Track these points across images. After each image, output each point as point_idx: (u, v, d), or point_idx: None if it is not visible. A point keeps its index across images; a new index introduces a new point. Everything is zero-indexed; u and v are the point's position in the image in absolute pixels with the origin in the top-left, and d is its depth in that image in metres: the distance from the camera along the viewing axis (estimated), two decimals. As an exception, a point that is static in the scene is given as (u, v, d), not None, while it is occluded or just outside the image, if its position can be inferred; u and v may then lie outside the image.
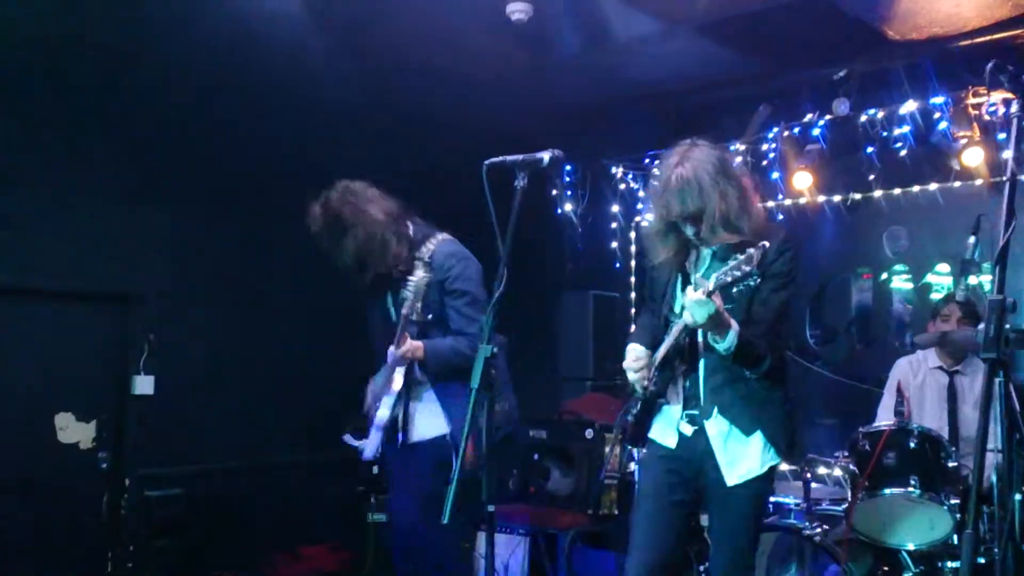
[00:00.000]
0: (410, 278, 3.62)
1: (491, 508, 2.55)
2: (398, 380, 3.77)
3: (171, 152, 5.26)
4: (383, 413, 3.81)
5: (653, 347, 3.14)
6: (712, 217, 2.90)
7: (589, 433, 5.19)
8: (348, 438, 4.01)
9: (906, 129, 5.37)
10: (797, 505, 4.30)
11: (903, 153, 5.41)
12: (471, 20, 5.14)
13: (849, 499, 4.03)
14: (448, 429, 3.73)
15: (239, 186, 5.45)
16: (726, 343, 2.89)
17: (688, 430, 3.12)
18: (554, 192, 6.77)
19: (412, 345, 3.66)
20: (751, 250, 2.70)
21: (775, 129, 5.80)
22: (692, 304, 2.79)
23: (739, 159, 5.85)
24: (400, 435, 3.84)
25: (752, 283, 2.79)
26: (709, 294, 2.77)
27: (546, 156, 2.82)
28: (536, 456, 5.68)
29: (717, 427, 3.07)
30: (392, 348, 3.68)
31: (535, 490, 5.64)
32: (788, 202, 5.85)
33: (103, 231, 5.19)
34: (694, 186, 2.90)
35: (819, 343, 5.77)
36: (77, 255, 5.10)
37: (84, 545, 5.11)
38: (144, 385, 5.21)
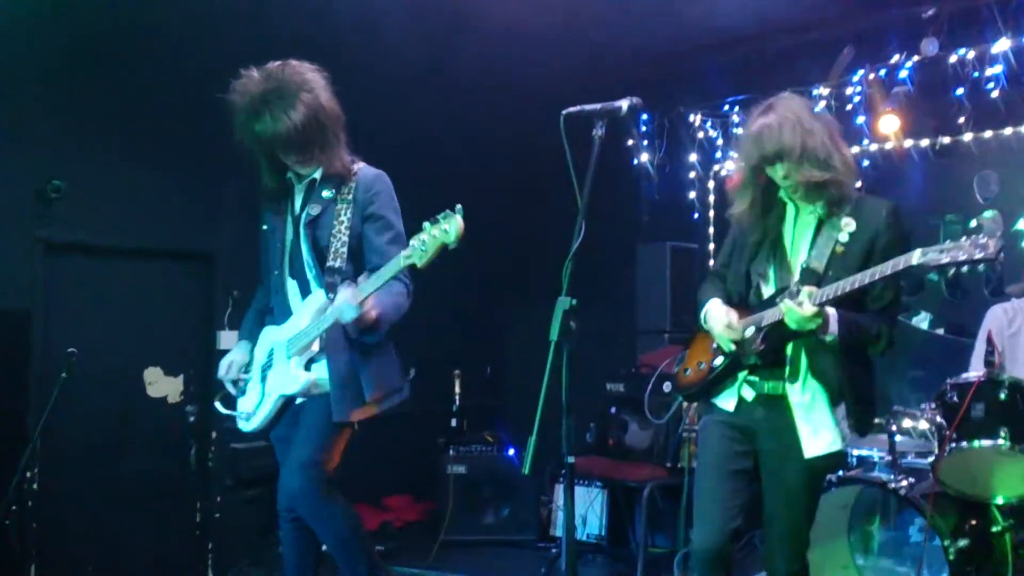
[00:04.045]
0: (341, 202, 3.10)
1: (570, 460, 2.55)
2: (317, 340, 3.22)
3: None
4: (300, 378, 3.21)
5: (730, 303, 3.09)
6: (797, 152, 2.83)
7: (667, 386, 5.15)
8: (219, 406, 3.52)
9: (998, 69, 5.15)
10: (881, 458, 4.22)
11: (995, 94, 5.18)
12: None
13: (936, 452, 3.93)
14: (361, 405, 3.24)
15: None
16: (830, 335, 2.83)
17: (749, 395, 3.05)
18: (630, 142, 6.67)
19: (369, 314, 3.08)
20: (985, 238, 2.57)
21: (860, 72, 5.61)
22: (797, 318, 2.77)
23: (823, 103, 5.69)
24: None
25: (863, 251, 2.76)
26: (819, 308, 2.74)
27: (624, 104, 2.76)
28: (613, 409, 5.68)
29: (801, 394, 2.97)
30: (346, 302, 3.04)
31: (613, 443, 5.66)
32: (874, 147, 5.67)
33: (187, 194, 5.34)
34: (775, 127, 2.85)
35: (906, 293, 5.60)
36: (163, 217, 5.27)
37: (173, 496, 5.30)
38: (229, 340, 5.34)
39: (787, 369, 2.98)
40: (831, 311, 2.81)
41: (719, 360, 3.08)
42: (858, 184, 3.00)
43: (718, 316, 3.05)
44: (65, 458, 4.88)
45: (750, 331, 2.97)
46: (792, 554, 3.01)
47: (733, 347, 3.01)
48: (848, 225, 2.89)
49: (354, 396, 3.23)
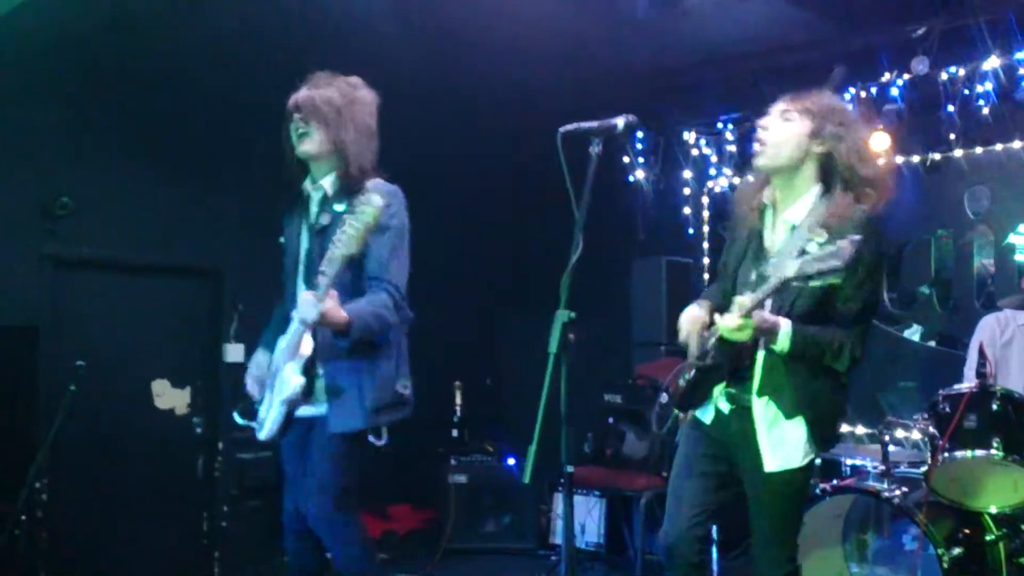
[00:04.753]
0: (361, 207, 3.00)
1: (570, 469, 2.60)
2: (307, 342, 3.16)
3: (255, 130, 5.41)
4: (296, 380, 3.15)
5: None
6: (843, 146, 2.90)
7: (663, 397, 5.22)
8: (237, 417, 3.50)
9: (988, 86, 5.24)
10: (875, 468, 4.25)
11: (985, 111, 5.28)
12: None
13: (929, 462, 3.95)
14: (361, 419, 3.21)
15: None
16: (779, 347, 2.81)
17: (725, 408, 3.03)
18: (626, 159, 6.76)
19: (336, 313, 3.04)
20: (841, 243, 2.54)
21: (851, 90, 5.70)
22: (724, 329, 2.76)
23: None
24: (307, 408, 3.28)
25: (835, 279, 2.60)
26: (746, 315, 2.70)
27: (620, 122, 2.80)
28: (611, 419, 5.75)
29: (763, 409, 2.93)
30: (309, 304, 3.05)
31: (611, 453, 5.73)
32: (865, 164, 5.75)
33: (193, 209, 5.41)
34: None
35: (898, 306, 5.69)
36: (169, 232, 5.33)
37: (181, 506, 5.35)
38: (235, 353, 5.41)
39: (753, 382, 2.95)
40: (783, 322, 2.78)
41: (691, 372, 3.08)
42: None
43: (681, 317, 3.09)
44: (74, 469, 4.93)
45: (710, 343, 2.95)
46: (771, 562, 2.98)
47: (694, 354, 3.02)
48: (819, 235, 2.73)
49: (352, 407, 3.21)
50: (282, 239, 3.55)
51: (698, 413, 3.13)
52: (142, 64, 5.05)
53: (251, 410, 3.41)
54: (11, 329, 4.75)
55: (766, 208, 3.06)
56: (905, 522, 4.26)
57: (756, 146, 3.04)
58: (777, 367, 2.90)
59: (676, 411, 3.24)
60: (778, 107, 3.05)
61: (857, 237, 2.57)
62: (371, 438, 3.26)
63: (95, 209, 5.07)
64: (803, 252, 2.65)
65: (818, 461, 3.59)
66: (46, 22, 4.60)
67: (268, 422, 3.29)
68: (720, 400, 3.05)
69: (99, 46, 4.87)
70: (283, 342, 3.31)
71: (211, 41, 5.05)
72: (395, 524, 6.32)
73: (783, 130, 2.98)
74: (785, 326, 2.78)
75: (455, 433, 6.36)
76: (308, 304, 3.05)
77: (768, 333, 2.79)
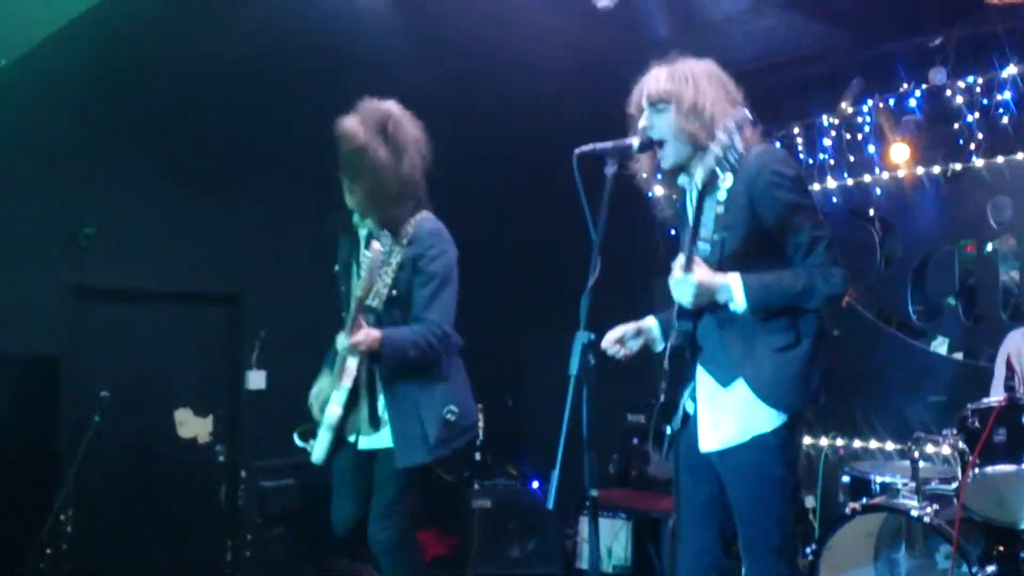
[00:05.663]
0: (396, 247, 3.27)
1: (594, 493, 2.57)
2: (350, 371, 3.33)
3: (273, 156, 5.45)
4: (333, 410, 3.36)
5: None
6: (685, 102, 2.78)
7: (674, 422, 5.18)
8: (297, 439, 3.59)
9: (1008, 95, 5.20)
10: (905, 484, 4.19)
11: (1005, 120, 5.23)
12: (556, 10, 5.15)
13: (959, 478, 3.91)
14: (426, 453, 3.31)
15: (337, 184, 5.63)
16: (736, 303, 2.60)
17: (690, 408, 2.84)
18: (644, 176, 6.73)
19: (368, 336, 3.21)
20: (712, 148, 2.41)
21: (869, 102, 5.67)
22: (677, 288, 2.61)
23: (833, 133, 5.75)
24: (353, 436, 3.44)
25: (744, 204, 2.53)
26: (686, 266, 2.55)
27: (635, 141, 2.82)
28: (635, 440, 5.71)
29: (702, 382, 2.74)
30: (342, 336, 3.25)
31: (636, 474, 5.68)
32: (885, 176, 5.71)
33: (214, 236, 5.44)
34: (661, 74, 2.93)
35: (923, 319, 5.62)
36: (190, 260, 5.36)
37: (204, 535, 5.35)
38: (257, 380, 5.42)
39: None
40: (732, 276, 2.59)
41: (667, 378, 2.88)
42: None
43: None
44: (98, 499, 4.95)
45: (673, 334, 2.78)
46: (755, 561, 2.73)
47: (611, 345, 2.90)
48: (725, 181, 2.65)
49: (416, 441, 3.32)
50: (336, 267, 3.63)
51: (674, 423, 2.87)
52: (162, 95, 5.09)
53: (311, 432, 3.51)
54: (34, 358, 4.79)
55: (684, 189, 2.95)
56: (937, 539, 4.19)
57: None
58: (710, 330, 2.71)
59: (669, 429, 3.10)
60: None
61: (722, 138, 2.45)
62: (439, 471, 3.55)
63: (117, 238, 5.12)
64: (717, 203, 2.62)
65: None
66: (71, 56, 4.66)
67: (318, 446, 3.41)
68: (687, 401, 2.85)
69: (122, 79, 4.93)
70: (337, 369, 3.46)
71: (232, 70, 5.10)
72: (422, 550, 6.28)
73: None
74: (735, 278, 2.60)
75: (478, 456, 6.33)
76: (340, 338, 3.26)
77: (712, 288, 2.60)
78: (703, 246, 2.68)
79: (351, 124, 3.33)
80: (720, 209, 2.67)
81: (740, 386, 2.67)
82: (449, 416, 3.37)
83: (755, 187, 2.59)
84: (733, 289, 2.59)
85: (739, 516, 2.73)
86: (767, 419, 2.65)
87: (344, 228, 3.57)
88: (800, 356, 2.65)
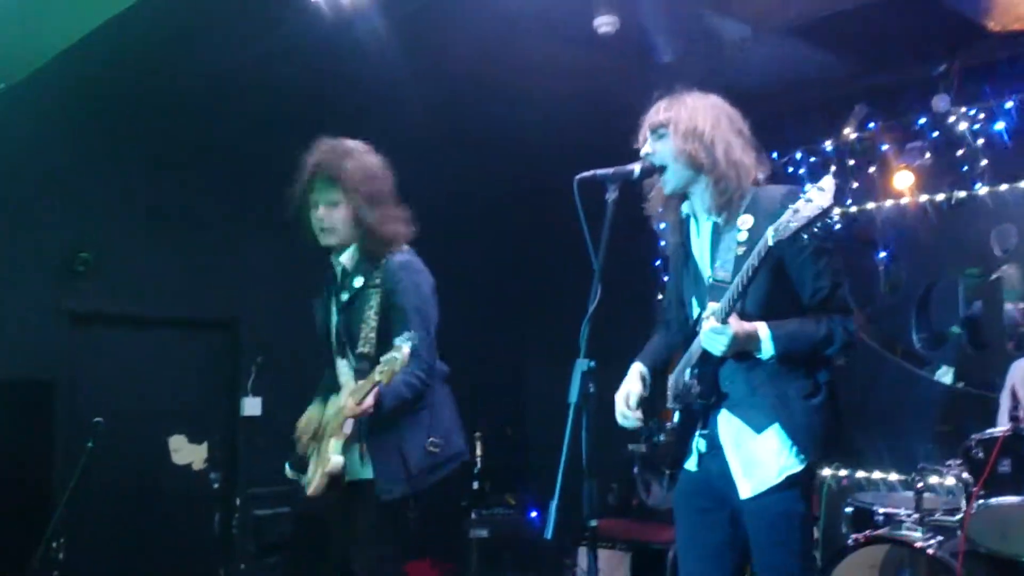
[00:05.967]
0: (372, 291, 3.26)
1: (593, 523, 2.53)
2: (349, 424, 3.30)
3: (270, 183, 5.42)
4: (337, 461, 3.29)
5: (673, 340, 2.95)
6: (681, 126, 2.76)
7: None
8: (287, 469, 3.59)
9: (1011, 123, 5.19)
10: (908, 515, 4.15)
11: (1009, 147, 5.22)
12: (558, 36, 5.16)
13: (963, 509, 3.88)
14: (405, 485, 3.30)
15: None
16: (764, 352, 2.61)
17: (704, 446, 2.82)
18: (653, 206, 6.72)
19: (373, 399, 3.17)
20: (797, 204, 2.35)
21: (872, 128, 5.67)
22: (711, 340, 2.57)
23: (837, 160, 5.75)
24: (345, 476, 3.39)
25: (767, 247, 2.43)
26: (723, 318, 2.54)
27: (637, 168, 2.78)
28: (636, 469, 5.65)
29: (727, 427, 2.74)
30: (348, 397, 3.24)
31: (636, 504, 5.61)
32: (889, 202, 5.70)
33: (209, 262, 5.43)
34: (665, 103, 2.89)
35: (927, 347, 5.58)
36: (186, 286, 5.35)
37: (198, 563, 5.29)
38: (252, 406, 5.39)
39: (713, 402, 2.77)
40: (760, 326, 2.60)
41: (676, 417, 2.93)
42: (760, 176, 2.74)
43: (619, 394, 2.94)
44: (91, 526, 4.90)
45: (687, 374, 2.80)
46: None
47: (635, 420, 2.91)
48: (745, 222, 2.64)
49: (396, 474, 3.29)
50: (315, 305, 3.63)
51: (686, 465, 2.92)
52: (159, 122, 5.10)
53: (303, 463, 3.48)
54: (29, 383, 4.76)
55: (688, 218, 2.91)
56: (941, 572, 4.13)
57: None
58: (738, 376, 2.71)
59: (667, 472, 3.07)
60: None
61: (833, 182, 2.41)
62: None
63: (113, 264, 5.11)
64: (737, 243, 2.60)
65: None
66: (69, 82, 4.66)
67: (313, 483, 3.38)
68: (699, 439, 2.84)
69: (119, 106, 4.93)
70: (330, 408, 3.44)
71: (227, 97, 5.11)
72: (416, 580, 6.21)
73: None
74: (763, 328, 2.60)
75: (475, 485, 6.26)
76: (344, 398, 3.29)
77: (744, 338, 2.58)
78: (723, 288, 2.66)
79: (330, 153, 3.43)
80: (740, 251, 2.65)
81: (773, 432, 2.68)
82: (431, 448, 3.37)
83: (780, 231, 2.47)
84: (762, 339, 2.61)
85: (760, 553, 2.72)
86: (797, 461, 2.68)
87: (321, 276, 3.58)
88: (822, 402, 2.70)
